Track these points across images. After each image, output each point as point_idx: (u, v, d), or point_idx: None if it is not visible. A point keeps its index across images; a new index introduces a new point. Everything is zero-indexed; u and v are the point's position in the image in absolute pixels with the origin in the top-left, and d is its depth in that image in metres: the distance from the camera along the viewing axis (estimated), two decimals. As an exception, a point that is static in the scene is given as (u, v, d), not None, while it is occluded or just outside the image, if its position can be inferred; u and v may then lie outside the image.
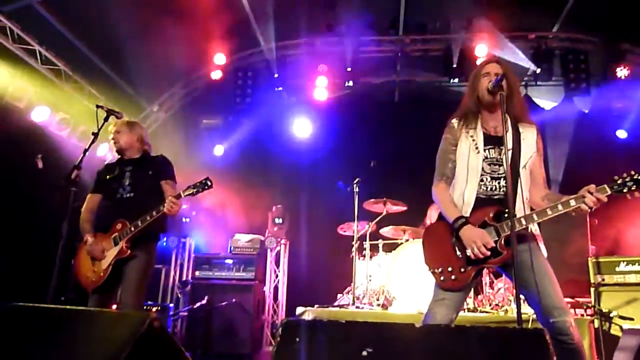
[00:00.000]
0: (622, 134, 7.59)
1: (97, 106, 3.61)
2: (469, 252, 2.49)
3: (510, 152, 2.55)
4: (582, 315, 5.07)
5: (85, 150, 3.52)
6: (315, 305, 5.39)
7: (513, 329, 1.75)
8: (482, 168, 2.61)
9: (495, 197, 2.60)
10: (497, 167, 2.62)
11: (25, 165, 6.15)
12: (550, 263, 6.12)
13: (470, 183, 2.61)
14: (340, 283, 6.37)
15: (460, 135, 2.70)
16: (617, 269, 5.12)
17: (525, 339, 1.69)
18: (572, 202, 2.49)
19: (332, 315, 5.07)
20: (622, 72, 7.07)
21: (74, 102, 6.94)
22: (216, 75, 8.13)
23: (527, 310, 4.91)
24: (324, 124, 8.23)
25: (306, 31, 7.84)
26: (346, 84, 7.96)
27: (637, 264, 5.05)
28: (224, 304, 6.17)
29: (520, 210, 2.53)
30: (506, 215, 2.49)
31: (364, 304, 5.63)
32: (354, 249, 5.79)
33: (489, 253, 2.46)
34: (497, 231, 2.50)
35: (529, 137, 2.69)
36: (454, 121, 2.75)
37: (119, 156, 3.83)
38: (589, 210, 2.49)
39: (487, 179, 2.61)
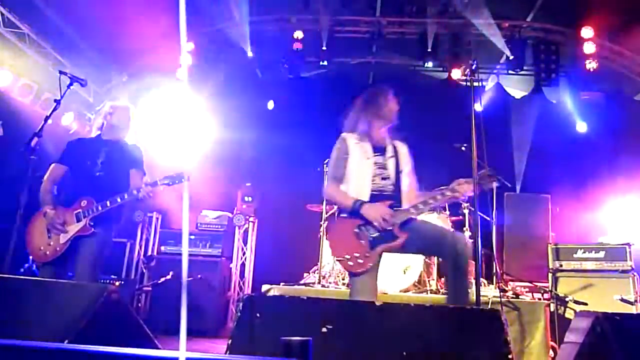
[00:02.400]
0: (582, 127, 7.79)
1: (61, 72, 3.50)
2: (371, 237, 2.96)
3: (393, 159, 3.24)
4: (539, 299, 5.23)
5: (47, 118, 3.41)
6: (281, 283, 5.40)
7: (470, 309, 1.80)
8: (373, 170, 3.15)
9: (385, 193, 3.13)
10: (383, 170, 3.20)
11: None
12: (512, 248, 6.26)
13: (364, 181, 3.12)
14: (307, 262, 6.40)
15: (351, 146, 3.21)
16: (574, 255, 5.29)
17: (482, 318, 1.74)
18: (448, 192, 3.12)
19: (297, 293, 5.10)
20: (590, 64, 7.22)
21: (39, 68, 6.67)
22: (188, 47, 7.93)
23: (487, 293, 5.07)
24: (297, 102, 8.16)
25: (281, 7, 7.72)
26: (321, 63, 7.88)
27: (593, 251, 5.23)
28: (189, 279, 6.14)
29: (404, 203, 3.14)
30: (394, 208, 3.05)
31: (330, 283, 5.68)
32: (322, 228, 5.82)
33: (391, 217, 2.95)
34: (393, 219, 2.98)
35: (403, 151, 3.38)
36: (345, 135, 3.28)
37: (98, 134, 3.76)
38: (461, 197, 3.12)
39: (377, 179, 3.15)
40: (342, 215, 3.13)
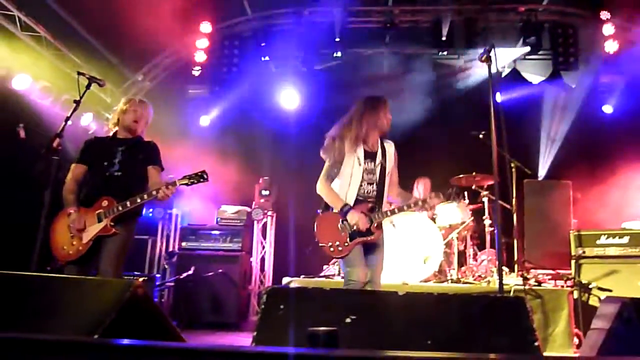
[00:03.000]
0: (607, 109, 7.63)
1: (79, 73, 3.53)
2: (350, 230, 3.42)
3: (380, 165, 3.58)
4: (562, 286, 5.17)
5: (67, 119, 3.45)
6: (302, 276, 5.43)
7: (494, 297, 1.78)
8: (362, 177, 3.52)
9: (369, 199, 3.55)
10: (371, 175, 3.57)
11: (7, 134, 6.04)
12: (533, 236, 6.19)
13: (352, 187, 3.51)
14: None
15: (347, 150, 3.52)
16: (597, 242, 5.22)
17: (506, 305, 1.73)
18: (419, 203, 3.66)
19: (317, 285, 5.12)
20: (610, 47, 7.07)
21: (56, 70, 6.77)
22: (202, 44, 7.97)
23: (509, 282, 5.03)
24: (312, 94, 8.15)
25: (294, 0, 7.70)
26: (334, 55, 7.85)
27: (617, 237, 5.15)
28: (210, 274, 6.21)
29: (384, 206, 3.60)
30: (376, 209, 3.52)
31: (350, 274, 5.68)
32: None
33: (368, 226, 3.44)
34: (370, 219, 3.47)
35: (391, 151, 3.68)
36: (344, 138, 3.54)
37: (113, 132, 3.80)
38: (430, 210, 3.80)
39: (364, 184, 3.54)
40: (329, 209, 3.56)
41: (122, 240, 3.50)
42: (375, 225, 3.49)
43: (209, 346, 1.12)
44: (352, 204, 3.49)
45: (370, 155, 3.58)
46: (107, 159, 3.63)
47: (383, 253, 3.63)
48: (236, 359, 1.09)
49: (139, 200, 3.43)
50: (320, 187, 3.58)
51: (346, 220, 3.44)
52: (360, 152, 3.55)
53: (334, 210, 3.51)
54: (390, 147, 3.70)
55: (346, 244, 3.43)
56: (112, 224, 3.44)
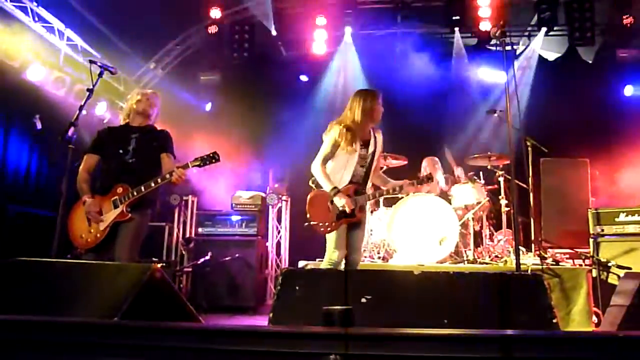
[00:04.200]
0: (629, 90, 7.44)
1: (90, 61, 3.54)
2: (338, 210, 3.73)
3: (372, 153, 3.88)
4: (581, 265, 5.12)
5: (81, 107, 3.48)
6: (317, 259, 5.45)
7: (511, 274, 1.77)
8: (356, 162, 3.81)
9: (358, 181, 3.86)
10: (363, 160, 3.86)
11: (24, 125, 6.12)
12: (551, 215, 6.11)
13: (348, 170, 3.81)
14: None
15: (344, 137, 3.77)
16: (616, 219, 5.14)
17: (524, 283, 1.71)
18: (397, 189, 3.95)
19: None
20: (627, 19, 6.89)
21: (69, 60, 6.81)
22: (212, 30, 7.95)
23: (526, 261, 5.00)
24: (324, 77, 8.10)
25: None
26: (346, 37, 7.78)
27: (636, 214, 5.07)
28: (227, 258, 6.26)
29: (369, 189, 3.96)
30: (360, 191, 3.85)
31: (365, 257, 5.70)
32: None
33: (353, 207, 3.72)
34: (355, 201, 3.77)
35: (380, 139, 4.00)
36: (342, 126, 3.79)
37: (127, 121, 3.82)
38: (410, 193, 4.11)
39: (358, 168, 3.84)
40: (321, 189, 3.88)
41: (137, 226, 3.54)
42: (359, 207, 3.83)
43: (228, 327, 1.13)
44: (344, 185, 3.81)
45: (364, 143, 3.89)
46: (121, 147, 3.66)
47: (364, 232, 4.05)
48: (254, 339, 1.10)
49: (153, 185, 3.46)
50: (315, 167, 3.90)
51: (334, 202, 3.78)
52: (357, 140, 3.84)
53: (322, 189, 3.86)
54: (379, 135, 4.02)
55: (333, 223, 3.79)
56: (128, 209, 3.48)
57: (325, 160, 3.92)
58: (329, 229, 3.80)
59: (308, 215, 3.88)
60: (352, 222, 3.83)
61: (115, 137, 3.75)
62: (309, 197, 3.96)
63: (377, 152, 3.99)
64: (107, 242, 3.50)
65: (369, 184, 3.99)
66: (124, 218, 3.48)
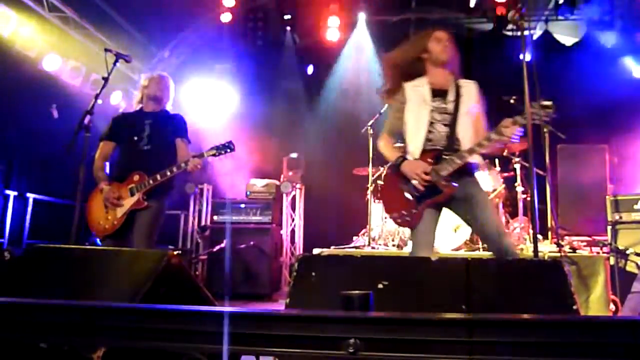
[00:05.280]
0: (637, 71, 7.29)
1: (106, 50, 3.56)
2: (415, 183, 2.83)
3: (453, 104, 2.94)
4: (598, 252, 5.06)
5: (97, 96, 3.50)
6: (332, 247, 5.47)
7: (530, 260, 1.75)
8: (432, 117, 2.93)
9: (439, 143, 2.91)
10: (443, 115, 2.95)
11: (41, 114, 6.19)
12: (568, 202, 6.02)
13: (419, 131, 2.92)
14: (355, 226, 6.43)
15: (408, 92, 3.01)
16: (635, 206, 5.06)
17: (543, 269, 1.69)
18: (493, 136, 2.80)
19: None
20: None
21: (85, 49, 6.86)
22: (226, 18, 7.93)
23: (543, 249, 4.95)
24: (338, 65, 8.06)
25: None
26: (359, 24, 7.72)
27: (656, 201, 4.99)
28: (242, 246, 6.31)
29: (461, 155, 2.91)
30: (444, 156, 2.84)
31: (380, 244, 5.70)
32: (369, 191, 5.80)
33: (429, 177, 2.80)
34: (436, 172, 2.83)
35: (470, 89, 3.06)
36: (401, 76, 3.07)
37: (139, 107, 3.84)
38: (510, 140, 2.80)
39: (436, 126, 2.93)
40: (390, 171, 3.09)
41: (154, 213, 3.57)
42: (443, 177, 2.82)
43: (246, 311, 1.14)
44: (419, 152, 2.91)
45: (438, 93, 3.00)
46: (136, 134, 3.68)
47: (485, 205, 2.85)
48: (274, 322, 1.10)
49: (168, 174, 3.48)
50: (379, 142, 3.16)
51: (404, 179, 2.87)
52: (426, 90, 3.01)
53: (390, 171, 3.06)
54: (468, 85, 3.08)
55: (414, 211, 2.84)
56: (144, 197, 3.51)
57: (389, 131, 3.13)
58: (408, 218, 2.86)
59: (384, 208, 3.17)
60: (452, 200, 2.87)
61: (129, 124, 3.77)
62: (380, 187, 3.39)
63: (464, 105, 2.97)
64: (125, 229, 3.55)
65: (463, 149, 2.88)
66: (140, 206, 3.51)
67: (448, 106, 2.94)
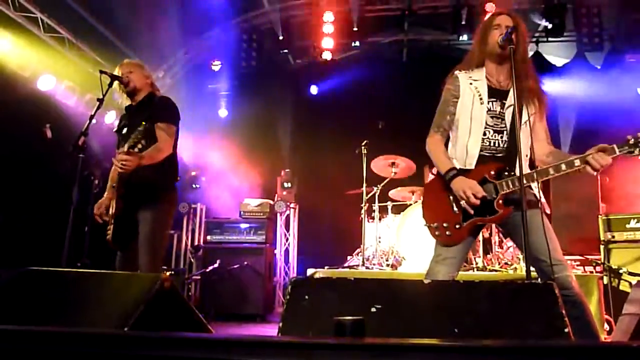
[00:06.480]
0: None
1: (101, 71, 3.56)
2: (463, 203, 2.44)
3: (511, 108, 2.52)
4: (591, 272, 5.08)
5: (91, 117, 3.49)
6: (326, 267, 5.45)
7: (522, 283, 1.76)
8: (486, 120, 2.53)
9: (498, 154, 2.53)
10: (499, 120, 2.54)
11: (34, 134, 6.17)
12: (560, 221, 6.04)
13: (474, 135, 2.52)
14: (349, 245, 6.42)
15: (463, 86, 2.60)
16: (627, 225, 5.10)
17: (534, 292, 1.70)
18: (577, 162, 2.42)
19: (342, 276, 5.13)
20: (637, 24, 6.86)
21: (79, 70, 6.89)
22: (220, 38, 8.00)
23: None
24: (331, 85, 8.13)
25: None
26: (353, 44, 7.81)
27: (648, 220, 5.02)
28: (236, 266, 6.27)
29: (528, 158, 2.53)
30: (507, 173, 2.45)
31: (374, 264, 5.69)
32: (363, 211, 5.81)
33: (478, 202, 2.40)
34: (495, 188, 2.45)
35: (535, 95, 2.62)
36: (457, 72, 2.66)
37: (129, 103, 3.71)
38: (594, 172, 2.41)
39: (490, 132, 2.53)
40: (438, 176, 2.66)
41: (152, 222, 3.28)
42: (502, 198, 2.43)
43: (237, 337, 1.13)
44: (475, 159, 2.51)
45: (496, 94, 2.56)
46: (120, 134, 3.62)
47: (540, 230, 2.36)
48: (264, 349, 1.09)
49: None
50: (428, 142, 2.67)
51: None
52: (482, 86, 2.57)
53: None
54: (533, 90, 2.60)
55: (457, 227, 2.48)
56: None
57: (439, 129, 2.65)
58: (448, 233, 2.47)
59: (423, 215, 2.66)
60: (493, 222, 2.58)
61: (119, 126, 3.71)
62: (425, 189, 2.92)
63: (525, 110, 2.51)
64: (128, 238, 3.31)
65: (524, 161, 2.44)
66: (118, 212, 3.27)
67: (505, 111, 2.54)
